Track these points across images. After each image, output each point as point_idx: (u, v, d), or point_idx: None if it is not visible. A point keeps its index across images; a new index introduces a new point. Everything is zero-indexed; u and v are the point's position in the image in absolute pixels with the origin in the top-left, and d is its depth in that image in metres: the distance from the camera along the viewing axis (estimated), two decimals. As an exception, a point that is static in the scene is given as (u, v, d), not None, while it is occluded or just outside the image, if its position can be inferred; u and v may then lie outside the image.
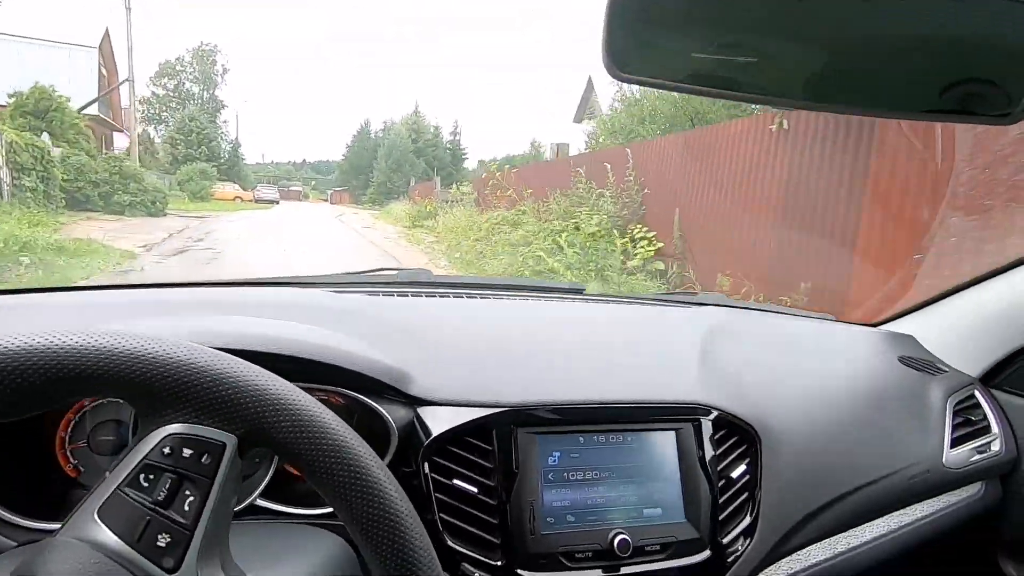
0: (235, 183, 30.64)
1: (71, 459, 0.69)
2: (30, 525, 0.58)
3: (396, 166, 36.07)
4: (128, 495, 0.39)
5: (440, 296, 1.02)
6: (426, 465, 0.67)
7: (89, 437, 0.69)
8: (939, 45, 0.49)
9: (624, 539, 0.67)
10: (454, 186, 16.67)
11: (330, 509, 0.62)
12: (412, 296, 0.99)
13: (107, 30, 20.63)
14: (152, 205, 11.11)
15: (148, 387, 0.39)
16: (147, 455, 0.40)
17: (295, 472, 0.69)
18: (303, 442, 0.40)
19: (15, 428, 0.54)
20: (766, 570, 0.80)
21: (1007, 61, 0.50)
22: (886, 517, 0.92)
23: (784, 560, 0.82)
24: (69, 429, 0.69)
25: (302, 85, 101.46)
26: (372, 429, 0.66)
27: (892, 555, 0.92)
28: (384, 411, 0.69)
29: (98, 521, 0.39)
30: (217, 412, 0.40)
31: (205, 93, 40.79)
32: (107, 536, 0.38)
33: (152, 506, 0.39)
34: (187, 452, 0.40)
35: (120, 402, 0.64)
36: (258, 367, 0.42)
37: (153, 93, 40.10)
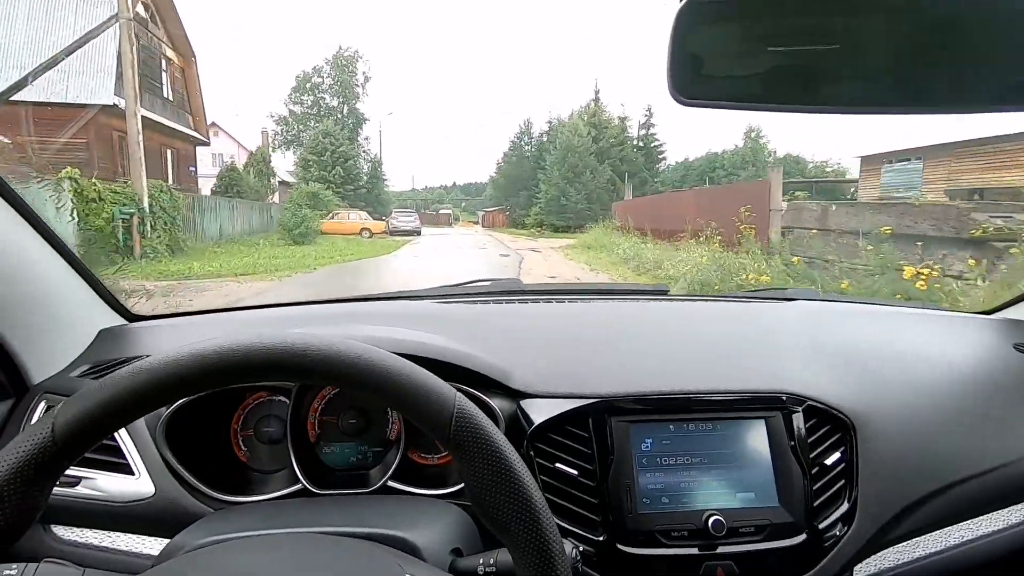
0: (359, 209, 22.66)
1: (242, 447, 0.84)
2: (219, 497, 0.73)
3: (573, 174, 26.17)
4: None
5: (531, 302, 1.09)
6: (531, 450, 0.73)
7: (254, 429, 0.83)
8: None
9: (718, 520, 0.69)
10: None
11: (451, 489, 0.75)
12: (506, 303, 1.07)
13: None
14: None
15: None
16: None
17: (417, 460, 0.84)
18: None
19: (204, 423, 0.80)
20: (872, 558, 0.79)
21: None
22: (1009, 509, 0.86)
23: (891, 549, 0.80)
24: (240, 423, 0.84)
25: (450, 94, 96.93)
26: None
27: (1019, 550, 0.86)
28: (493, 403, 0.76)
29: None
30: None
31: (345, 106, 35.23)
32: None
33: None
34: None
35: (275, 400, 0.84)
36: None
37: (291, 112, 35.59)
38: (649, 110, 30.02)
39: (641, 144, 29.10)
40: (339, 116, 33.80)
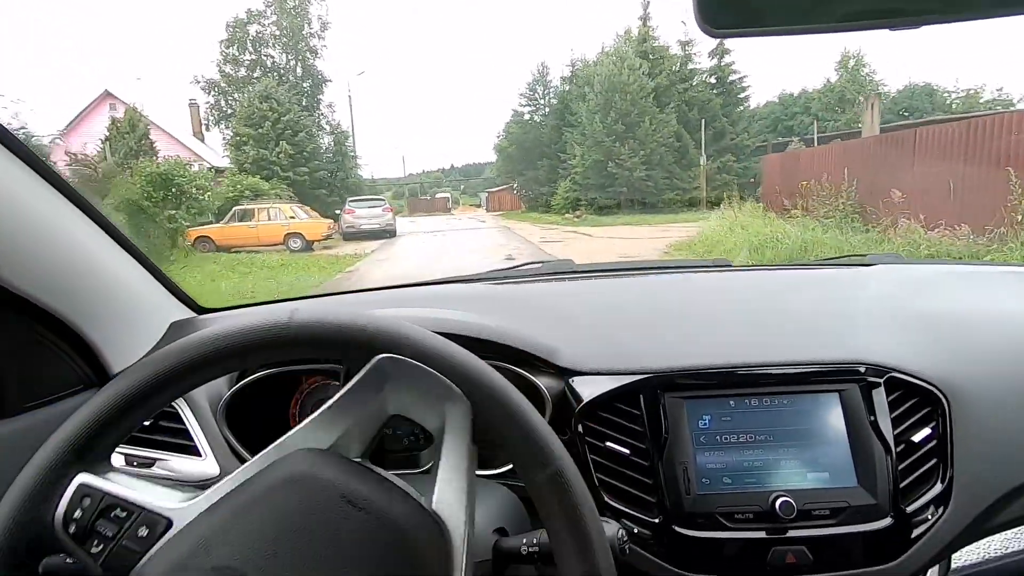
0: (291, 202, 14.17)
1: None
2: None
3: (624, 126, 17.47)
4: None
5: (583, 279, 1.10)
6: (579, 427, 0.72)
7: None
8: None
9: (787, 501, 0.66)
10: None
11: (498, 471, 0.73)
12: (556, 282, 1.08)
13: None
14: None
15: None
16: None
17: None
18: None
19: (265, 409, 0.84)
20: (973, 546, 0.74)
21: None
22: None
23: (997, 536, 0.75)
24: (298, 407, 0.88)
25: (441, 48, 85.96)
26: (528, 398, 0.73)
27: None
28: (538, 382, 0.76)
29: None
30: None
31: (297, 64, 26.32)
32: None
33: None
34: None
35: (331, 385, 0.86)
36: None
37: (224, 74, 26.60)
38: (721, 29, 21.17)
39: (714, 79, 20.22)
40: (290, 77, 25.10)
